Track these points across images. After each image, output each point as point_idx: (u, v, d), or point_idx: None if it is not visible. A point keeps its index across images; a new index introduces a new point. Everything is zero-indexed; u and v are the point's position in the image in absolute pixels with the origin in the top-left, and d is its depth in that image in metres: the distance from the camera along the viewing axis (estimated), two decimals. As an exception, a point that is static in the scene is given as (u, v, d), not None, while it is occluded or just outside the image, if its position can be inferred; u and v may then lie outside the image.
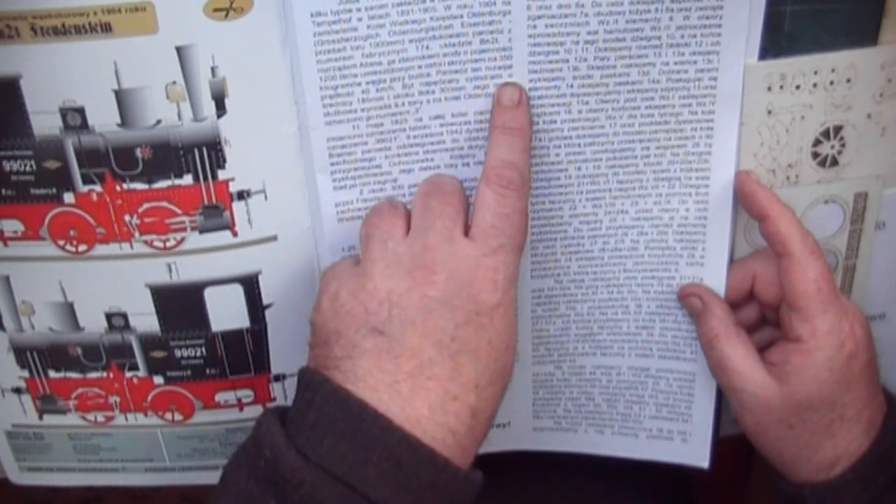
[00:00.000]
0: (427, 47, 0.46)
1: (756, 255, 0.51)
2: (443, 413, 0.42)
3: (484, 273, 0.43)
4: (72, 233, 0.49)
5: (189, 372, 0.53)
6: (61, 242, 0.49)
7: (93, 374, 0.53)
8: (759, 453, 0.52)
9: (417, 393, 0.42)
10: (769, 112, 0.49)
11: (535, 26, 0.46)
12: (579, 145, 0.49)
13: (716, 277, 0.51)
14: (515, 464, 0.58)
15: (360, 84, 0.46)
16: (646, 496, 0.62)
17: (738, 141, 0.49)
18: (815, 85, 0.48)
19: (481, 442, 0.44)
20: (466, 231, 0.44)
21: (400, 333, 0.42)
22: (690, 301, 0.52)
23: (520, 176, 0.45)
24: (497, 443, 0.57)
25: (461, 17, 0.45)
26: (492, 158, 0.46)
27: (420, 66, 0.46)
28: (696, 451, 0.56)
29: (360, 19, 0.44)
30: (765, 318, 0.52)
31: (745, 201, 0.50)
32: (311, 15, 0.44)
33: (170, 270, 0.50)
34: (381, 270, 0.43)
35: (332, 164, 0.48)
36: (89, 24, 0.43)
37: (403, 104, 0.47)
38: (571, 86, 0.47)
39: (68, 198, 0.48)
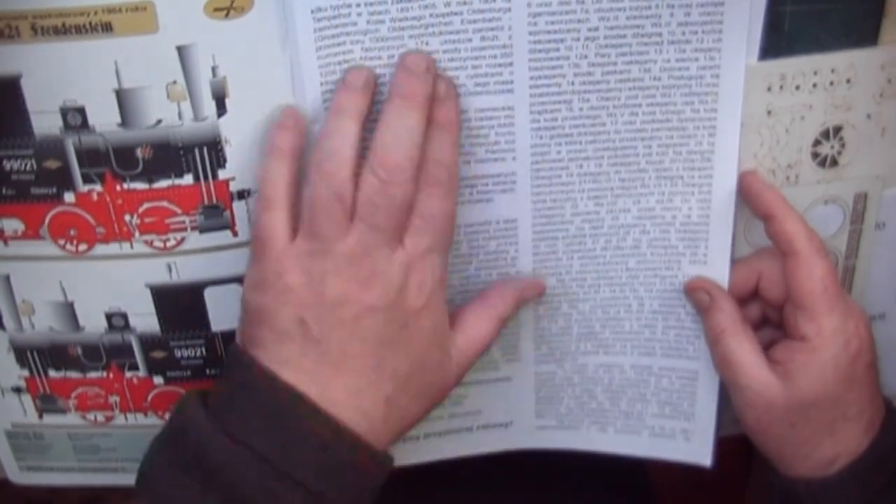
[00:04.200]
0: (427, 43, 0.45)
1: (761, 254, 0.51)
2: (357, 397, 0.44)
3: (413, 276, 0.45)
4: (72, 232, 0.49)
5: (189, 372, 0.53)
6: (61, 242, 0.49)
7: (93, 374, 0.53)
8: (759, 452, 0.52)
9: (337, 379, 0.44)
10: (769, 112, 0.49)
11: (535, 23, 0.46)
12: (581, 143, 0.49)
13: (719, 276, 0.51)
14: (468, 468, 0.58)
15: (360, 80, 0.46)
16: (605, 499, 0.62)
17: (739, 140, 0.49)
18: (814, 85, 0.48)
19: (396, 436, 0.46)
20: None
21: (329, 327, 0.44)
22: (698, 295, 0.51)
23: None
24: (498, 442, 0.57)
25: (461, 13, 0.45)
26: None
27: (420, 63, 0.46)
28: (698, 450, 0.56)
29: (359, 14, 0.44)
30: (766, 318, 0.53)
31: (751, 201, 0.49)
32: (312, 11, 0.44)
33: (170, 270, 0.50)
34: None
35: (333, 162, 0.48)
36: (90, 23, 0.43)
37: (403, 101, 0.47)
38: (572, 83, 0.47)
39: (69, 197, 0.48)
